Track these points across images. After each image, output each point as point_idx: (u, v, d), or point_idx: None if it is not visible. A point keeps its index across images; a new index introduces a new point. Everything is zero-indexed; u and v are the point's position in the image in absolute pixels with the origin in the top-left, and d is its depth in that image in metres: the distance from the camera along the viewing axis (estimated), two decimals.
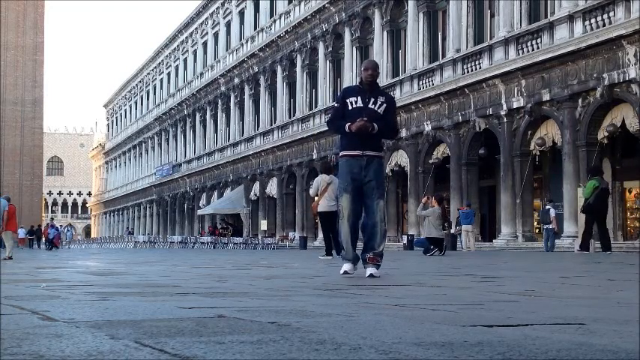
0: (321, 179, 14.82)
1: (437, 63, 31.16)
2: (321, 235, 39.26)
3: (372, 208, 6.74)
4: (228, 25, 55.66)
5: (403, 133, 32.25)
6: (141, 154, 78.03)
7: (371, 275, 6.51)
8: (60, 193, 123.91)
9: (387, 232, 7.05)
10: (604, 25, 22.69)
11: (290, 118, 45.00)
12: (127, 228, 74.53)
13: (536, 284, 5.82)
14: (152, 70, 75.29)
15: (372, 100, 6.69)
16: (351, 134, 6.70)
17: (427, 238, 18.03)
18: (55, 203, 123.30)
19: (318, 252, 23.80)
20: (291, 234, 43.24)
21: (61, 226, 69.63)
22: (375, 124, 6.57)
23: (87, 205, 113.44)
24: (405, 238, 30.28)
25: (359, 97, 6.69)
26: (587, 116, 23.44)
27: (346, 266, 6.90)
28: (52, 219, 53.44)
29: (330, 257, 14.27)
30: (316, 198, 14.96)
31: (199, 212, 55.97)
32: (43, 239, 50.48)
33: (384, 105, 6.71)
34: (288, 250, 36.64)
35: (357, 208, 6.79)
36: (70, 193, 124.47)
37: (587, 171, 19.82)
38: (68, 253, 25.42)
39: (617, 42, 21.95)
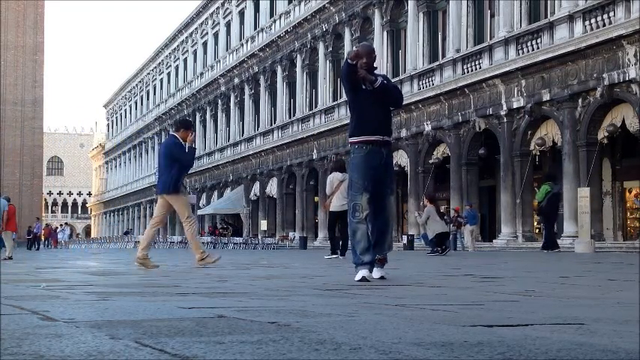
0: (334, 177, 14.48)
1: (437, 63, 31.15)
2: (321, 235, 39.34)
3: (384, 205, 6.21)
4: (228, 25, 55.65)
5: (403, 133, 32.24)
6: (141, 154, 78.02)
7: (382, 277, 6.14)
8: (60, 193, 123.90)
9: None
10: (604, 25, 22.68)
11: (290, 118, 44.99)
12: (129, 229, 74.47)
13: (536, 284, 5.82)
14: (152, 70, 75.29)
15: (377, 79, 6.21)
16: (368, 116, 6.17)
17: (436, 235, 17.68)
18: (55, 203, 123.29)
19: (318, 252, 23.81)
20: (291, 234, 43.22)
21: (61, 225, 69.17)
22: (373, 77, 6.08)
23: (87, 205, 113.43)
24: (405, 238, 30.26)
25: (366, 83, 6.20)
26: (587, 116, 23.43)
27: (364, 272, 6.00)
28: (37, 218, 53.17)
29: (335, 257, 14.17)
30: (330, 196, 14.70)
31: (199, 212, 55.93)
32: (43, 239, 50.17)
33: (384, 81, 6.23)
34: (288, 250, 36.64)
35: (372, 207, 6.17)
36: (70, 193, 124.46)
37: (543, 176, 21.43)
38: (68, 254, 25.43)
39: (617, 42, 21.93)
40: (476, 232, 27.52)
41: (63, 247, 52.48)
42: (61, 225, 57.77)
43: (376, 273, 6.19)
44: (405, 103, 31.30)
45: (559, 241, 23.53)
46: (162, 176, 9.78)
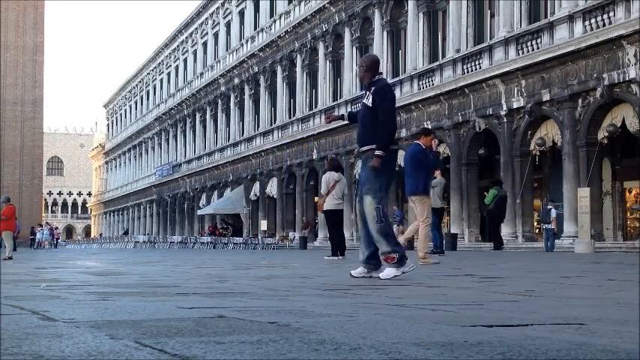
0: (330, 176, 14.37)
1: (437, 63, 31.15)
2: (321, 235, 39.34)
3: (362, 205, 6.51)
4: (228, 25, 55.65)
5: (403, 133, 32.22)
6: (141, 154, 78.02)
7: (377, 277, 6.30)
8: (60, 193, 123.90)
9: (384, 227, 6.40)
10: (604, 25, 22.68)
11: (290, 118, 44.98)
12: (126, 229, 74.31)
13: (536, 284, 5.82)
14: (152, 70, 75.28)
15: (367, 94, 6.65)
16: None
17: (433, 209, 17.50)
18: (55, 203, 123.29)
19: (318, 252, 23.82)
20: (291, 234, 43.22)
21: (40, 225, 66.12)
22: (336, 115, 6.84)
23: (87, 205, 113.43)
24: None
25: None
26: (587, 116, 23.43)
27: (358, 269, 6.64)
28: (15, 218, 52.07)
29: (335, 258, 14.07)
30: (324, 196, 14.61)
31: (199, 212, 55.97)
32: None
33: (371, 96, 6.56)
34: (288, 250, 36.64)
35: (360, 209, 6.55)
36: (70, 193, 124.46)
37: (490, 181, 23.93)
38: (67, 253, 25.42)
39: (617, 42, 21.93)
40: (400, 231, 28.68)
41: (44, 247, 51.00)
42: (40, 225, 56.12)
43: (375, 272, 6.50)
44: (405, 103, 31.46)
45: (559, 242, 23.64)
46: (410, 180, 10.77)
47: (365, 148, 6.56)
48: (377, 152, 6.39)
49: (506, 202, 22.86)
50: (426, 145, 10.86)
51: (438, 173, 18.15)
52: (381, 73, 6.88)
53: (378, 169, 6.39)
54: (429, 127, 30.77)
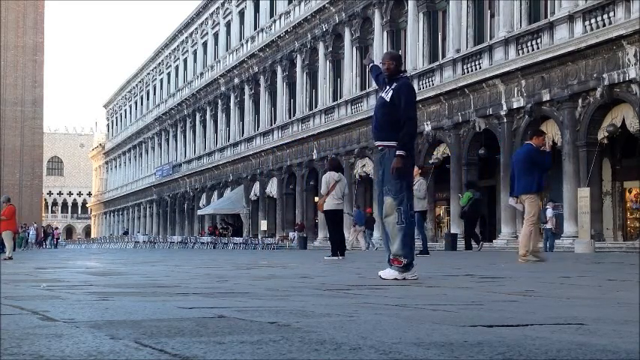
0: (330, 176, 14.30)
1: (437, 63, 31.14)
2: (321, 235, 39.32)
3: (382, 205, 6.46)
4: (228, 25, 55.65)
5: None
6: (141, 154, 78.02)
7: (379, 276, 6.31)
8: (60, 193, 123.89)
9: (405, 229, 6.33)
10: (604, 25, 22.67)
11: (290, 118, 44.98)
12: (126, 229, 74.26)
13: (536, 284, 5.82)
14: (152, 70, 75.27)
15: (386, 88, 6.54)
16: None
17: (417, 211, 17.41)
18: (55, 203, 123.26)
19: (318, 252, 23.81)
20: (291, 234, 43.22)
21: (25, 225, 63.87)
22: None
23: (87, 205, 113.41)
24: None
25: (381, 88, 6.75)
26: (587, 116, 23.42)
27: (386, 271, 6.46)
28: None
29: (335, 258, 14.02)
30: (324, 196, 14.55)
31: (199, 212, 55.96)
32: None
33: (391, 92, 6.46)
34: (288, 250, 36.65)
35: (379, 208, 6.54)
36: (70, 193, 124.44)
37: (465, 184, 25.14)
38: (67, 254, 25.42)
39: (617, 42, 21.93)
40: (368, 232, 30.27)
41: (29, 248, 49.58)
42: (25, 224, 54.94)
43: (381, 271, 6.44)
44: None
45: (559, 242, 23.65)
46: (523, 179, 11.08)
47: (378, 143, 6.50)
48: (398, 152, 6.28)
49: (480, 205, 24.15)
50: (538, 145, 11.28)
51: (416, 173, 17.94)
52: (406, 71, 6.84)
53: (401, 169, 6.31)
54: (429, 127, 30.81)
